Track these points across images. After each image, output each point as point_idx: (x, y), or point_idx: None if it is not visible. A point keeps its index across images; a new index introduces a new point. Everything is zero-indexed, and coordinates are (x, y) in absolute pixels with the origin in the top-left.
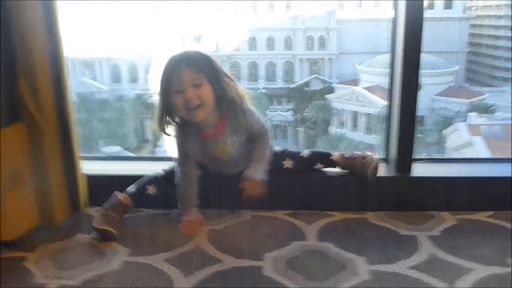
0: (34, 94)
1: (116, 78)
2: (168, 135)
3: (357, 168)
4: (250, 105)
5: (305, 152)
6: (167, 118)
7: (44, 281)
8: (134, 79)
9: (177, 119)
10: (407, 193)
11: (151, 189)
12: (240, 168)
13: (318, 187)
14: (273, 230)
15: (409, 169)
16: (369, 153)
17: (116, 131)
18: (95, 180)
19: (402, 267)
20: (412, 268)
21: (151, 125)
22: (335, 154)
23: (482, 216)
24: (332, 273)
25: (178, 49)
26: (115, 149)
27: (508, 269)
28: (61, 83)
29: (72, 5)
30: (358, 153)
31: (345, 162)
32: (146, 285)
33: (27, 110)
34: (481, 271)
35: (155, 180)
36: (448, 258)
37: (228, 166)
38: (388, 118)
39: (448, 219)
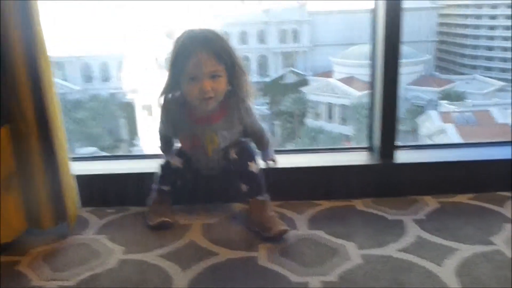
0: (15, 95)
1: (87, 78)
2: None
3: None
4: (253, 103)
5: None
6: (169, 92)
7: (40, 284)
8: (106, 78)
9: (177, 94)
10: (391, 180)
11: (175, 161)
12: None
13: (304, 177)
14: None
15: (392, 156)
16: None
17: (90, 132)
18: (85, 181)
19: (391, 250)
20: (401, 250)
21: (126, 124)
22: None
23: (463, 198)
24: (326, 259)
25: (192, 26)
26: (90, 150)
27: (492, 247)
28: (41, 84)
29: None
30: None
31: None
32: (144, 281)
33: (9, 112)
34: (467, 250)
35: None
36: (435, 239)
37: (210, 164)
38: (371, 107)
39: (431, 203)
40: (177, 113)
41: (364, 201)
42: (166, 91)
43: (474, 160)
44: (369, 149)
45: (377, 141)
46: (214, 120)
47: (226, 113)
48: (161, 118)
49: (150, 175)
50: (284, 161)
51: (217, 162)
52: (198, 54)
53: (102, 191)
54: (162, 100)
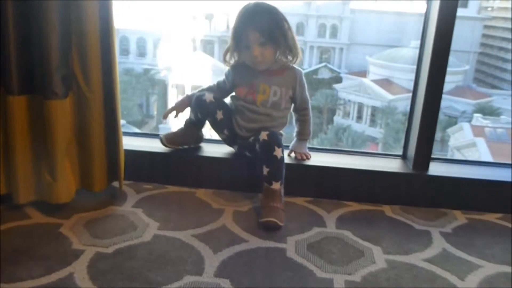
0: (84, 67)
1: (124, 51)
2: (228, 65)
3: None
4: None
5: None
6: (232, 54)
7: (81, 248)
8: (142, 54)
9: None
10: (422, 190)
11: (208, 96)
12: (255, 131)
13: (338, 178)
14: (295, 216)
15: (426, 167)
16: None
17: (121, 105)
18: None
19: (416, 259)
20: (425, 260)
21: (157, 101)
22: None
23: (491, 217)
24: (351, 259)
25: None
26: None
27: None
28: (109, 58)
29: None
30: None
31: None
32: (177, 258)
33: (76, 82)
34: (491, 268)
35: (209, 89)
36: (460, 254)
37: (253, 119)
38: (410, 115)
39: (459, 218)
40: (244, 65)
41: (393, 208)
42: (228, 52)
43: (505, 181)
44: (403, 157)
45: (412, 150)
46: (273, 75)
47: (284, 74)
48: (228, 71)
49: (190, 157)
50: (319, 159)
51: (256, 123)
52: (247, 29)
53: (141, 167)
54: (225, 58)
